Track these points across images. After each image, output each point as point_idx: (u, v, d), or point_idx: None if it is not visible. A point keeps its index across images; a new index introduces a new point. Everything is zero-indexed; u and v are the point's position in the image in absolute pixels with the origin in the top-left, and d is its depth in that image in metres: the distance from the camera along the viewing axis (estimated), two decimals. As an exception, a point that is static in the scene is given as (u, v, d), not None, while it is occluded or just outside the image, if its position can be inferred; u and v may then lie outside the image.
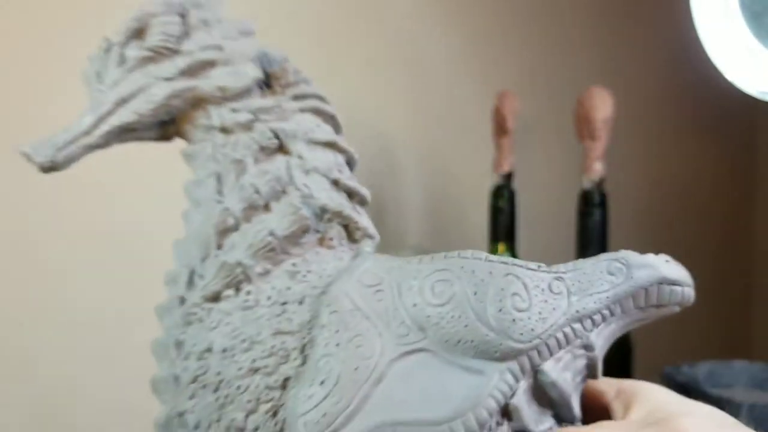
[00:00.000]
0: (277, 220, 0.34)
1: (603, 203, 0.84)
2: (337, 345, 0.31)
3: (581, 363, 0.32)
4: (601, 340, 0.33)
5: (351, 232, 0.36)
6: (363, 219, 0.37)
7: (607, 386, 0.34)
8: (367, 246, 0.36)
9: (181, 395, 0.34)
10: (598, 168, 0.84)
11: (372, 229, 0.37)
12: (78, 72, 0.37)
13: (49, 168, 0.34)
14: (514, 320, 0.30)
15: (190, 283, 0.35)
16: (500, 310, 0.30)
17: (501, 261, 0.32)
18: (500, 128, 0.88)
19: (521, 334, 0.30)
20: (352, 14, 0.89)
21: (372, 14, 0.90)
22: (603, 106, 0.83)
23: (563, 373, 0.32)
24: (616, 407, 0.34)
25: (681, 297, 0.33)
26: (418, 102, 0.91)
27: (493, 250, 0.89)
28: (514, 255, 0.89)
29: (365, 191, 0.37)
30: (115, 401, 0.78)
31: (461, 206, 0.92)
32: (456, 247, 0.37)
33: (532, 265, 0.32)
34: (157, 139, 0.38)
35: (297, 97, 0.37)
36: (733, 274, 1.08)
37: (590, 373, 0.33)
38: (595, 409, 0.34)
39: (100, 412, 0.77)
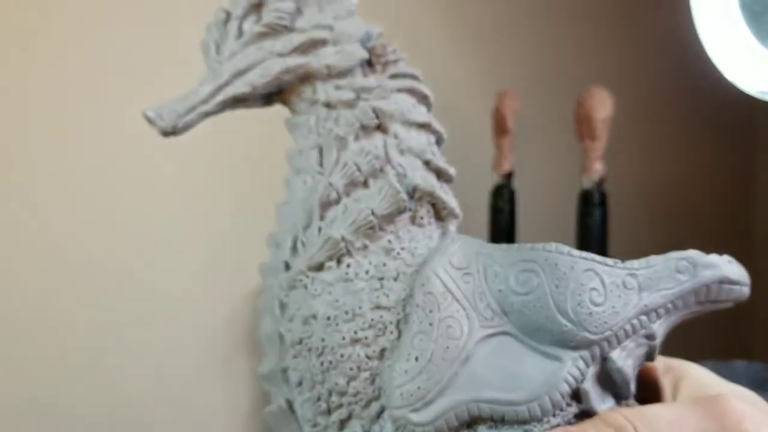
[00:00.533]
0: (378, 200, 0.37)
1: (603, 203, 0.84)
2: (430, 324, 0.34)
3: (642, 350, 0.36)
4: (662, 329, 0.36)
5: (438, 210, 0.39)
6: (450, 199, 0.39)
7: (657, 362, 0.38)
8: (452, 225, 0.39)
9: (285, 353, 0.37)
10: (597, 168, 0.84)
11: (457, 209, 0.39)
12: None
13: (170, 133, 0.36)
14: (590, 313, 0.33)
15: (294, 249, 0.37)
16: (579, 304, 0.33)
17: (582, 256, 0.34)
18: (500, 128, 0.88)
19: (596, 326, 0.33)
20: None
21: (371, 13, 0.90)
22: (603, 106, 0.83)
23: (627, 360, 0.35)
24: (665, 383, 0.37)
25: (738, 295, 0.37)
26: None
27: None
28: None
29: (452, 170, 0.39)
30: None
31: (461, 206, 0.92)
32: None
33: (610, 261, 0.35)
34: (262, 106, 0.40)
35: (395, 76, 0.39)
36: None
37: (648, 357, 0.36)
38: (646, 382, 0.38)
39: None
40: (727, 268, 0.36)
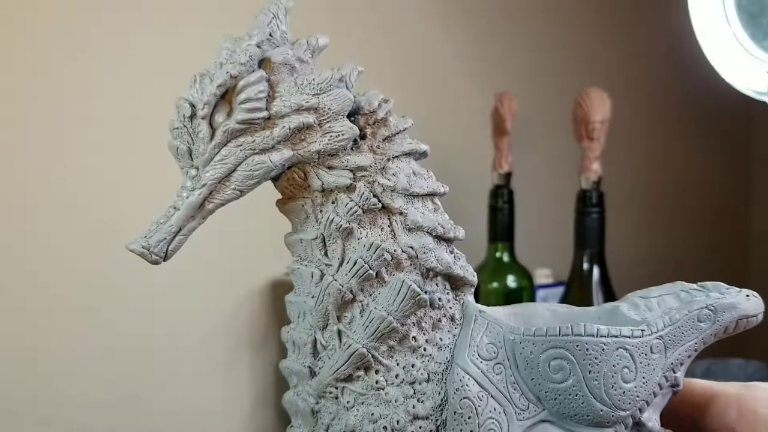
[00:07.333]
0: (398, 303, 0.36)
1: (601, 203, 0.85)
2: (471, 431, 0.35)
3: (668, 397, 0.37)
4: (684, 373, 0.37)
5: (453, 281, 0.38)
6: (463, 269, 0.38)
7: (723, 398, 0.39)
8: (469, 293, 0.38)
9: None
10: (595, 168, 0.84)
11: (470, 275, 0.38)
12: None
13: (163, 261, 0.35)
14: (623, 393, 0.35)
15: (315, 351, 0.37)
16: (612, 387, 0.35)
17: (611, 334, 0.35)
18: (499, 129, 0.89)
19: (629, 403, 0.35)
20: (351, 14, 0.89)
21: (371, 14, 0.91)
22: (601, 107, 0.84)
23: (654, 414, 0.36)
24: None
25: (753, 325, 0.38)
26: (417, 102, 0.92)
27: (493, 249, 0.90)
28: (512, 254, 0.90)
29: (461, 232, 0.38)
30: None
31: (461, 206, 0.93)
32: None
33: (638, 331, 0.36)
34: None
35: (388, 139, 0.37)
36: (728, 273, 1.08)
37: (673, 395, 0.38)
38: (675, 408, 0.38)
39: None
40: (745, 305, 0.38)
